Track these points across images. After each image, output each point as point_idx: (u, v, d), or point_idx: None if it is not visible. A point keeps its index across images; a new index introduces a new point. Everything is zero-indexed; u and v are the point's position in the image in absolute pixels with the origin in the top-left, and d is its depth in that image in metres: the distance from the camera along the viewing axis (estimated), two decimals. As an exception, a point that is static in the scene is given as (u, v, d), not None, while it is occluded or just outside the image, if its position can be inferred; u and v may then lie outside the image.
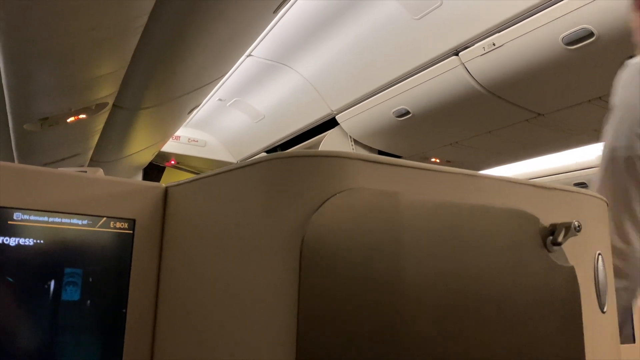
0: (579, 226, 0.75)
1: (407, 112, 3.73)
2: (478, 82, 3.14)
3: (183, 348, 0.79)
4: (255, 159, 0.73)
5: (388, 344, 0.64)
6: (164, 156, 7.19)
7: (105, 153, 5.43)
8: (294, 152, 0.70)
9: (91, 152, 5.15)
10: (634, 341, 1.98)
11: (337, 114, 4.53)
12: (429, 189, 0.72)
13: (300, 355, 0.60)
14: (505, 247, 0.73)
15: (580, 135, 3.58)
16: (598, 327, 0.81)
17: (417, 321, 0.66)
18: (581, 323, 0.76)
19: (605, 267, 0.84)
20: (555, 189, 0.82)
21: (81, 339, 0.82)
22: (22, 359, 0.78)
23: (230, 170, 0.77)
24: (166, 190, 0.94)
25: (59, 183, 0.85)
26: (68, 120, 3.33)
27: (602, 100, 2.94)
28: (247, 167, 0.73)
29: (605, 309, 0.82)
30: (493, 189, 0.77)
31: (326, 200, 0.65)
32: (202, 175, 0.85)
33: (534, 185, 0.81)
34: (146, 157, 6.81)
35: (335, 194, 0.66)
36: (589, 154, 4.39)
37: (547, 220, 0.77)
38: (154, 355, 0.87)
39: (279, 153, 0.70)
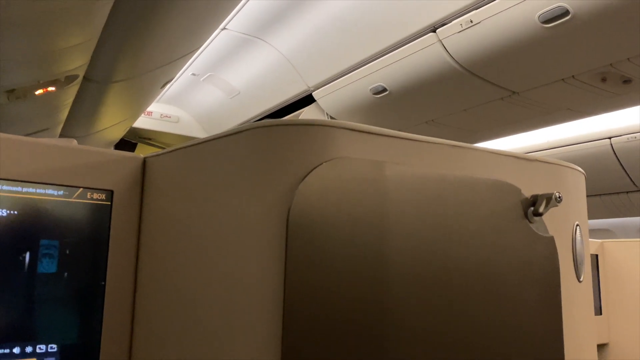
0: (559, 197, 0.76)
1: (384, 90, 3.72)
2: (455, 60, 3.15)
3: (164, 320, 0.78)
4: (238, 127, 0.71)
5: (374, 311, 0.64)
6: (135, 132, 7.04)
7: (76, 128, 5.27)
8: (279, 121, 0.68)
9: (61, 126, 5.00)
10: (600, 313, 2.06)
11: (313, 91, 4.50)
12: (414, 159, 0.72)
13: (287, 323, 0.60)
14: (487, 218, 0.74)
15: (553, 113, 3.64)
16: (575, 295, 0.83)
17: (402, 290, 0.66)
18: (559, 292, 0.78)
19: (582, 238, 0.86)
20: (536, 160, 0.83)
21: (59, 311, 0.81)
22: (-2, 332, 0.76)
23: (213, 139, 0.75)
24: (144, 162, 0.92)
25: (34, 152, 0.82)
26: (36, 93, 3.21)
27: (575, 79, 2.98)
28: (231, 135, 0.72)
29: (581, 279, 0.84)
30: (477, 160, 0.77)
31: (312, 170, 0.65)
32: (182, 145, 0.83)
33: (516, 157, 0.81)
34: (117, 133, 6.66)
35: (322, 164, 0.65)
36: (562, 133, 4.47)
37: (528, 191, 0.78)
38: (134, 328, 0.86)
39: (264, 121, 0.69)
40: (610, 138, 4.27)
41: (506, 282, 0.74)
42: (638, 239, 2.06)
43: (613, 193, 4.90)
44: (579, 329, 0.82)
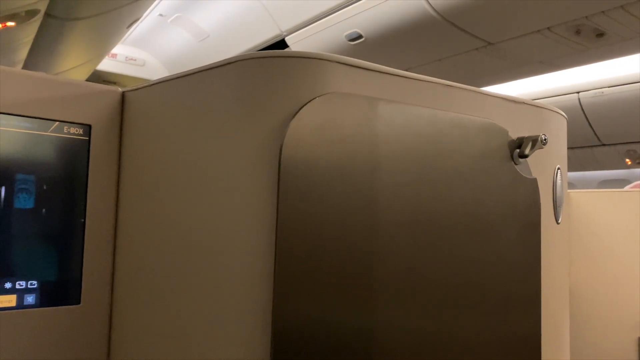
0: (545, 139, 0.77)
1: (360, 36, 3.66)
2: (432, 7, 3.11)
3: (147, 259, 0.77)
4: (226, 59, 0.68)
5: (363, 247, 0.64)
6: (99, 75, 6.79)
7: (36, 68, 5.04)
8: (269, 53, 0.66)
9: (20, 66, 4.77)
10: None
11: (286, 36, 4.39)
12: (408, 97, 0.71)
13: (279, 262, 0.59)
14: (475, 158, 0.74)
15: (525, 66, 3.67)
16: (553, 236, 0.85)
17: (391, 226, 0.67)
18: (539, 232, 0.80)
19: (562, 181, 0.88)
20: (523, 102, 0.83)
21: (38, 248, 0.79)
22: (-26, 267, 0.74)
23: (198, 71, 0.72)
24: (123, 96, 0.88)
25: (7, 81, 0.77)
26: (-6, 28, 3.03)
27: (550, 31, 2.99)
28: (217, 68, 0.69)
29: (559, 220, 0.87)
30: (467, 100, 0.77)
31: (304, 105, 0.63)
32: (164, 78, 0.80)
33: (504, 98, 0.81)
34: (80, 75, 6.41)
35: (315, 98, 0.63)
36: (531, 87, 4.53)
37: (514, 133, 0.79)
38: (116, 266, 0.84)
39: (255, 52, 0.66)
40: (578, 93, 4.35)
41: (490, 221, 0.75)
42: (602, 190, 2.14)
43: (577, 147, 5.04)
44: (555, 268, 0.86)
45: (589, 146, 4.93)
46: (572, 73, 4.23)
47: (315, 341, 0.61)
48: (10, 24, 3.03)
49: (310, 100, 0.63)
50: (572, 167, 5.50)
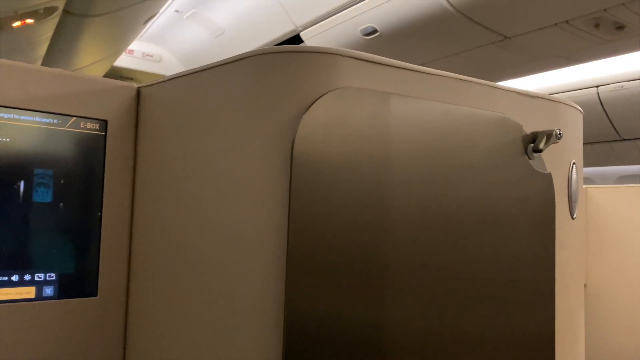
0: (560, 134, 0.76)
1: (375, 31, 3.64)
2: (448, 0, 3.08)
3: (162, 253, 0.78)
4: (239, 55, 0.69)
5: (375, 242, 0.65)
6: (116, 71, 6.85)
7: (54, 65, 5.11)
8: (281, 48, 0.66)
9: (39, 63, 4.83)
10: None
11: (301, 31, 4.38)
12: (419, 91, 0.71)
13: (290, 255, 0.60)
14: (488, 153, 0.74)
15: (543, 60, 3.62)
16: (568, 232, 0.85)
17: (403, 221, 0.67)
18: (554, 227, 0.79)
19: (578, 176, 0.87)
20: (538, 97, 0.82)
21: (57, 241, 0.80)
22: (-5, 259, 0.75)
23: (212, 67, 0.73)
24: (138, 91, 0.89)
25: (26, 77, 0.78)
26: (14, 25, 3.07)
27: (569, 25, 2.95)
28: (231, 63, 0.69)
29: (575, 215, 0.86)
30: (480, 94, 0.76)
31: (317, 100, 0.63)
32: (178, 74, 0.81)
33: (518, 93, 0.81)
34: (98, 72, 6.48)
35: (326, 93, 0.64)
36: (549, 81, 4.47)
37: (528, 127, 0.78)
38: (132, 258, 0.86)
39: (268, 48, 0.66)
40: (597, 87, 4.28)
41: (503, 217, 0.75)
42: (620, 185, 2.11)
43: (596, 142, 4.97)
44: (570, 264, 0.85)
45: (607, 141, 4.85)
46: (591, 67, 4.16)
47: (327, 338, 0.61)
48: (29, 21, 3.08)
49: (322, 95, 0.63)
50: (590, 162, 5.42)
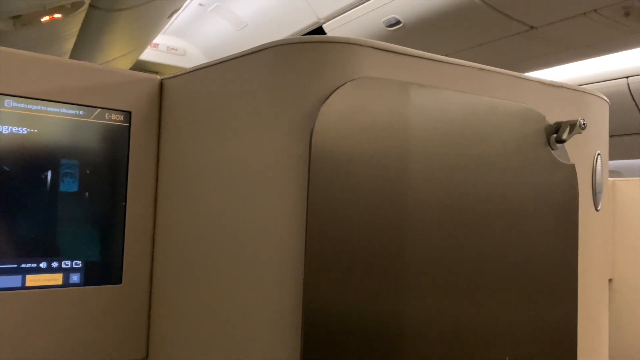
0: (584, 124, 0.75)
1: (398, 22, 3.61)
2: (473, -9, 3.03)
3: (184, 243, 0.80)
4: (260, 45, 0.70)
5: (394, 235, 0.65)
6: (142, 65, 6.94)
7: (81, 59, 5.20)
8: (302, 38, 0.67)
9: (67, 57, 4.93)
10: (606, 249, 2.08)
11: (324, 23, 4.37)
12: (439, 81, 0.70)
13: (309, 245, 0.60)
14: (510, 143, 0.73)
15: (571, 50, 3.54)
16: (592, 224, 0.83)
17: (423, 214, 0.66)
18: (577, 219, 0.78)
19: (603, 167, 0.86)
20: (562, 86, 0.81)
21: (83, 229, 0.82)
22: (24, 247, 0.78)
23: (232, 58, 0.74)
24: (161, 83, 0.90)
25: (54, 70, 0.80)
26: (42, 20, 3.14)
27: (597, 14, 2.87)
28: (252, 54, 0.70)
29: (599, 207, 0.84)
30: (502, 84, 0.75)
31: (336, 90, 0.63)
32: (199, 65, 0.82)
33: (542, 82, 0.79)
34: (124, 66, 6.57)
35: (346, 83, 0.64)
36: (577, 71, 4.37)
37: (551, 118, 0.77)
38: (155, 248, 0.87)
39: (288, 38, 0.67)
40: (627, 77, 4.17)
41: (525, 208, 0.74)
42: (650, 178, 2.05)
43: (625, 134, 4.85)
44: (594, 256, 0.84)
45: (637, 133, 4.73)
46: (620, 57, 4.06)
47: (345, 333, 0.61)
48: (57, 16, 3.14)
49: (341, 85, 0.63)
50: (619, 154, 5.29)
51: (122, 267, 0.85)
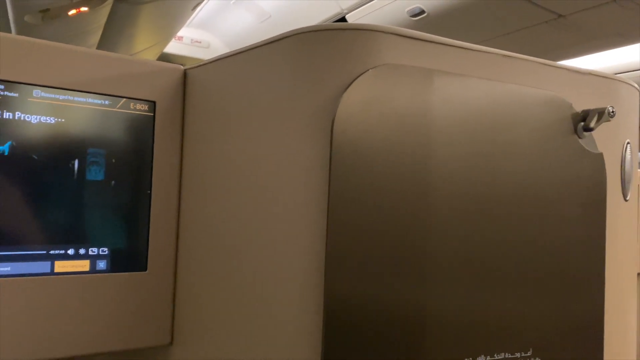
0: (613, 112, 0.73)
1: (422, 12, 3.57)
2: (499, -21, 2.98)
3: (206, 231, 0.81)
4: (282, 34, 0.70)
5: (417, 223, 0.64)
6: (166, 58, 7.02)
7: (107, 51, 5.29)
8: (323, 25, 0.66)
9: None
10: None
11: (347, 13, 4.35)
12: (463, 68, 0.69)
13: (331, 230, 0.60)
14: (536, 132, 0.72)
15: (601, 39, 3.45)
16: (620, 214, 0.81)
17: (447, 202, 0.66)
18: (604, 209, 0.77)
19: (632, 156, 0.84)
20: (589, 73, 0.79)
21: (109, 217, 0.84)
22: (52, 234, 0.80)
23: (255, 47, 0.74)
24: (185, 73, 0.91)
25: (80, 60, 0.82)
26: (69, 13, 3.20)
27: (629, 0, 2.79)
28: (273, 42, 0.70)
29: (628, 197, 0.82)
30: (528, 71, 0.74)
31: (357, 77, 0.63)
32: (223, 55, 0.82)
33: (569, 69, 0.78)
34: (149, 58, 6.66)
35: (368, 70, 0.63)
36: (607, 61, 4.26)
37: (579, 105, 0.75)
38: (179, 237, 0.89)
39: (310, 26, 0.67)
40: (661, 66, 4.05)
41: (551, 197, 0.73)
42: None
43: (657, 125, 4.72)
44: (622, 247, 0.82)
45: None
46: (653, 45, 3.94)
47: (367, 325, 0.61)
48: (84, 9, 3.19)
49: (363, 73, 0.63)
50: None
51: (147, 255, 0.86)
